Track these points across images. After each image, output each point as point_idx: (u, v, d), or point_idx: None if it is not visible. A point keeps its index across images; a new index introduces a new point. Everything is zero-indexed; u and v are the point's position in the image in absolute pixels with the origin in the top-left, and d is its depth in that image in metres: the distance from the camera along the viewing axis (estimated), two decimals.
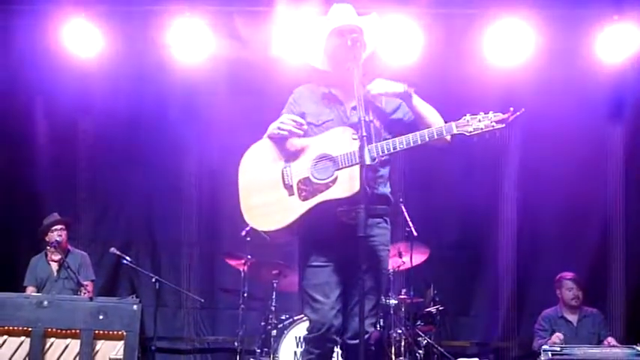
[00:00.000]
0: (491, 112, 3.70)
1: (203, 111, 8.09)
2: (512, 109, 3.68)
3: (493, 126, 3.67)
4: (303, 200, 3.77)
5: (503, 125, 3.68)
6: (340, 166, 3.74)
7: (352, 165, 3.69)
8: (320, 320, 3.79)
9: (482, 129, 3.67)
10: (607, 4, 7.45)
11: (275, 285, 6.72)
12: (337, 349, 3.98)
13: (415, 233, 6.62)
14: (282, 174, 3.86)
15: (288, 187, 3.82)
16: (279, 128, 3.86)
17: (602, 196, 8.12)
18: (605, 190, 8.12)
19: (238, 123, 7.44)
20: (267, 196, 3.86)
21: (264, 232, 3.88)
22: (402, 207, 6.73)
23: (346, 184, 3.70)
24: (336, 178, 3.74)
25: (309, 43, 4.11)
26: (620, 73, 7.71)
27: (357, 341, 3.66)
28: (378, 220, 3.92)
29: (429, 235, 7.14)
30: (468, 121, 3.70)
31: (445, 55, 7.52)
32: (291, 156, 3.89)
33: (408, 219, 6.67)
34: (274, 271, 6.70)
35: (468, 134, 3.69)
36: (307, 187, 3.78)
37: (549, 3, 7.51)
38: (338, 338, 3.85)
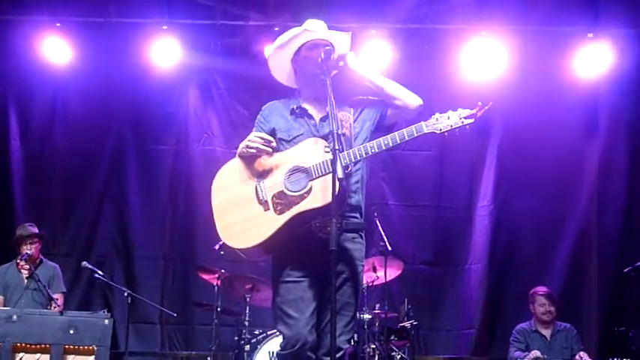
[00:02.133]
0: (459, 109, 3.72)
1: (177, 124, 8.07)
2: (480, 103, 3.68)
3: (462, 122, 3.70)
4: (279, 214, 3.74)
5: (472, 120, 3.69)
6: (314, 177, 3.72)
7: (326, 174, 3.67)
8: (294, 336, 3.73)
9: (451, 126, 3.69)
10: (582, 22, 7.55)
11: (248, 299, 6.67)
12: None
13: (389, 248, 6.62)
14: (256, 190, 3.83)
15: (263, 203, 3.79)
16: (247, 147, 3.84)
17: (577, 211, 8.18)
18: (579, 205, 8.18)
19: (213, 136, 7.44)
20: (243, 213, 3.82)
21: (241, 250, 3.82)
22: (377, 221, 6.73)
23: (321, 193, 3.67)
24: (310, 189, 3.72)
25: (278, 56, 4.06)
26: (594, 88, 7.81)
27: (329, 358, 3.62)
28: (354, 234, 3.89)
29: (403, 250, 7.15)
30: (437, 119, 3.72)
31: (418, 70, 7.56)
32: (263, 172, 3.86)
33: (383, 233, 6.67)
34: (248, 286, 6.65)
35: (438, 132, 3.70)
36: (282, 201, 3.75)
37: (525, 20, 7.60)
38: (312, 355, 3.79)
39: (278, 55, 4.05)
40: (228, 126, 7.93)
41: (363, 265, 3.97)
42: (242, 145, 3.88)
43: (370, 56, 7.53)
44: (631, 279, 6.97)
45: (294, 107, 4.01)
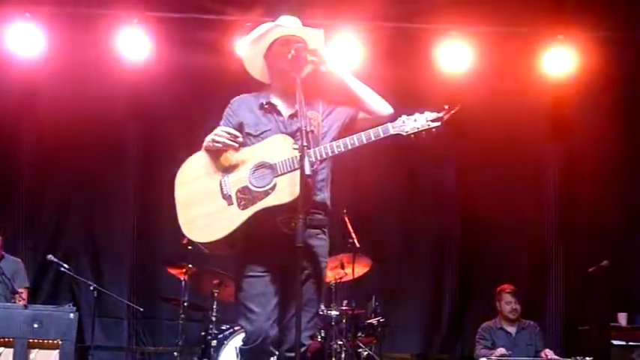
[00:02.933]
0: (426, 112, 3.72)
1: (147, 117, 8.03)
2: (447, 107, 3.70)
3: (429, 125, 3.69)
4: (243, 209, 3.73)
5: (439, 124, 3.69)
6: (279, 173, 3.72)
7: (291, 171, 3.68)
8: (255, 331, 3.74)
9: (418, 128, 3.68)
10: (553, 23, 7.63)
11: (216, 295, 6.64)
12: None
13: (358, 244, 6.64)
14: (221, 184, 3.82)
15: (227, 197, 3.78)
16: (213, 141, 3.83)
17: (542, 211, 8.28)
18: (544, 205, 8.28)
19: (181, 130, 7.41)
20: (206, 207, 3.81)
21: (203, 244, 3.83)
22: (346, 218, 6.74)
23: (285, 190, 3.67)
24: (274, 185, 3.72)
25: (251, 51, 4.07)
26: (561, 90, 7.90)
27: (293, 354, 3.62)
28: (317, 231, 3.89)
29: (371, 247, 7.17)
30: (404, 121, 3.72)
31: (389, 69, 7.60)
32: (229, 167, 3.84)
33: (351, 230, 6.69)
34: (215, 281, 6.62)
35: (405, 134, 3.70)
36: (246, 196, 3.74)
37: (495, 21, 7.66)
38: (274, 350, 3.81)
39: (251, 49, 4.05)
40: (198, 120, 7.86)
41: (326, 262, 3.98)
42: (208, 138, 3.87)
43: (343, 53, 7.54)
44: (595, 279, 7.09)
45: (264, 102, 3.99)
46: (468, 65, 7.80)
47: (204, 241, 3.80)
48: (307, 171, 3.48)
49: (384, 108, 3.94)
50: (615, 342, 6.94)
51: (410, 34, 7.85)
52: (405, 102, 4.03)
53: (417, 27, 7.82)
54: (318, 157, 3.72)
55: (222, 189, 3.81)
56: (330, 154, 3.75)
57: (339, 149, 3.73)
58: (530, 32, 7.81)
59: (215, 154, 3.88)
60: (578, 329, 7.44)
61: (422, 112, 3.73)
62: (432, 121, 3.70)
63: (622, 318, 7.20)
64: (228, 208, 3.76)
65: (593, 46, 7.73)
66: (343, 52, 7.55)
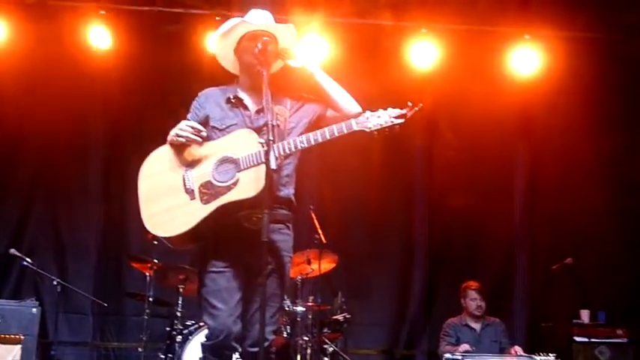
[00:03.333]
0: (390, 108, 3.73)
1: (113, 111, 7.95)
2: (410, 104, 3.72)
3: (392, 122, 3.70)
4: (205, 204, 3.72)
5: (403, 120, 3.70)
6: (242, 168, 3.71)
7: (254, 166, 3.67)
8: (218, 327, 3.74)
9: (382, 125, 3.70)
10: (520, 22, 7.69)
11: (181, 290, 6.60)
12: (236, 357, 3.92)
13: (324, 240, 6.65)
14: (184, 179, 3.81)
15: (190, 192, 3.77)
16: (177, 135, 3.82)
17: (509, 208, 8.35)
18: (511, 203, 8.35)
19: (148, 124, 7.36)
20: (169, 201, 3.79)
21: (166, 238, 3.81)
22: (312, 214, 6.75)
23: (248, 185, 3.67)
24: (237, 180, 3.70)
25: (221, 45, 4.06)
26: (528, 89, 7.97)
27: (257, 349, 3.62)
28: (280, 225, 3.89)
29: (338, 243, 7.18)
30: (367, 117, 3.73)
31: (359, 66, 7.62)
32: (192, 161, 3.83)
33: (318, 226, 6.70)
34: (181, 276, 6.58)
35: (368, 130, 3.71)
36: (209, 191, 3.73)
37: (464, 19, 7.72)
38: (237, 345, 3.80)
39: (221, 43, 4.04)
40: (164, 115, 7.81)
41: (290, 257, 3.98)
42: (172, 132, 3.86)
43: (313, 49, 7.55)
44: (558, 276, 7.18)
45: (231, 96, 3.98)
46: (437, 63, 7.86)
47: (167, 236, 3.79)
48: (273, 165, 3.47)
49: (353, 107, 3.94)
50: (578, 339, 7.03)
51: (380, 31, 7.87)
52: (373, 98, 4.03)
53: (386, 24, 7.84)
54: (282, 153, 3.71)
55: (185, 183, 3.80)
56: (294, 150, 3.76)
57: (302, 145, 3.74)
58: (497, 31, 7.87)
59: (179, 148, 3.86)
60: (541, 326, 7.52)
61: (385, 109, 3.74)
62: (396, 117, 3.71)
63: (585, 315, 7.30)
64: (190, 202, 3.75)
65: (559, 45, 7.82)
66: (314, 48, 7.56)
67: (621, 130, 8.14)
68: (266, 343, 3.71)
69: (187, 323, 6.48)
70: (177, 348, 6.31)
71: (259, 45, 3.84)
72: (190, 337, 6.29)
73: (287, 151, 3.74)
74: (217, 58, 4.12)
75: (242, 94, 4.00)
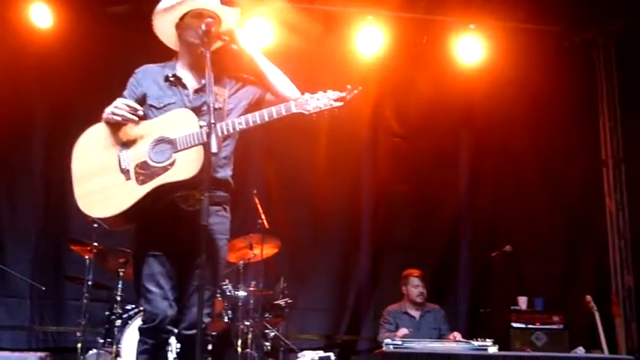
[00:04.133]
0: (329, 91, 3.73)
1: (56, 91, 7.79)
2: (349, 87, 3.72)
3: (331, 105, 3.70)
4: (141, 184, 3.66)
5: (342, 104, 3.71)
6: (179, 148, 3.66)
7: (191, 147, 3.63)
8: (154, 311, 3.71)
9: (321, 107, 3.70)
10: (465, 12, 7.77)
11: (121, 274, 6.52)
12: (173, 339, 3.90)
13: (267, 225, 6.64)
14: (119, 158, 3.74)
15: (125, 172, 3.70)
16: (112, 113, 3.74)
17: (453, 196, 8.45)
18: (455, 191, 8.46)
19: (89, 105, 7.19)
20: (103, 181, 3.72)
21: (101, 219, 3.76)
22: (256, 199, 6.73)
23: (184, 166, 3.62)
24: (174, 161, 3.65)
25: (162, 19, 3.95)
26: (473, 78, 8.06)
27: (193, 332, 3.61)
28: (217, 207, 3.85)
29: (282, 228, 7.18)
30: (307, 100, 3.73)
31: (305, 50, 7.61)
32: (128, 140, 3.76)
33: (261, 211, 6.68)
34: (121, 260, 6.49)
35: (307, 113, 3.71)
36: (145, 171, 3.67)
37: (409, 7, 7.77)
38: (174, 328, 3.78)
39: (162, 17, 3.95)
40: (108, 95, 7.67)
41: (226, 239, 3.95)
42: (108, 110, 3.78)
43: (257, 32, 7.52)
44: (497, 263, 7.29)
45: (169, 75, 3.93)
46: (383, 50, 7.90)
47: (101, 217, 3.74)
48: (214, 148, 3.44)
49: (292, 92, 3.92)
50: (515, 325, 7.16)
51: (327, 16, 7.87)
52: (318, 84, 4.02)
53: (334, 9, 7.83)
54: (219, 134, 3.65)
55: (120, 163, 3.73)
56: (232, 131, 3.72)
57: (240, 126, 3.70)
58: (443, 20, 7.95)
59: (114, 126, 3.79)
60: (480, 312, 7.63)
61: (325, 92, 3.73)
62: (335, 100, 3.71)
63: (522, 302, 7.43)
64: (125, 183, 3.69)
65: (503, 36, 7.93)
66: (259, 31, 7.52)
67: (560, 120, 8.30)
68: (202, 326, 3.69)
69: (127, 307, 6.42)
70: (116, 332, 6.25)
71: (203, 26, 3.76)
72: (130, 322, 6.25)
73: (225, 132, 3.70)
74: (155, 31, 4.02)
75: (181, 73, 3.95)
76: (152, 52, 4.15)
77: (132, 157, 3.73)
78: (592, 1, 7.72)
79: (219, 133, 3.65)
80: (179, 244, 3.71)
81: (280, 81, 3.96)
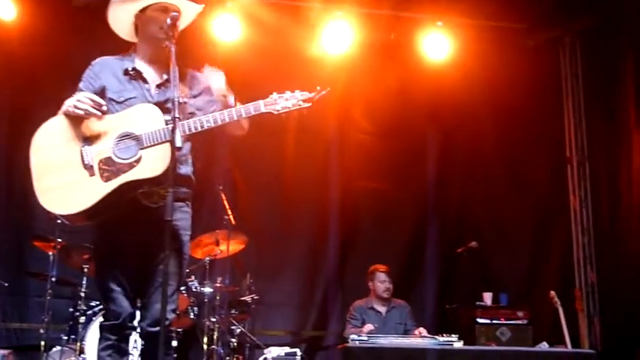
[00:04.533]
0: (297, 91, 3.76)
1: (19, 85, 7.67)
2: (318, 88, 3.74)
3: (300, 105, 3.73)
4: (106, 181, 3.59)
5: (310, 104, 3.74)
6: (145, 145, 3.61)
7: (157, 144, 3.59)
8: (116, 309, 3.68)
9: (289, 107, 3.73)
10: (432, 9, 7.79)
11: (86, 270, 6.44)
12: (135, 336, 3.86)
13: (233, 221, 6.62)
14: (81, 153, 3.65)
15: (89, 168, 3.62)
16: (75, 107, 3.65)
17: (420, 192, 8.50)
18: (422, 187, 8.50)
19: (55, 97, 7.10)
20: (65, 177, 3.63)
21: (63, 216, 3.70)
22: (222, 194, 6.70)
23: (151, 163, 3.58)
24: (140, 158, 3.60)
25: (121, 8, 3.87)
26: (440, 75, 8.10)
27: (157, 328, 3.57)
28: (181, 203, 3.81)
29: (248, 224, 7.16)
30: (275, 100, 3.73)
31: (269, 47, 7.59)
32: (90, 135, 3.68)
33: (227, 206, 6.65)
34: (85, 256, 6.41)
35: (276, 112, 3.72)
36: (110, 168, 3.60)
37: (377, 4, 7.78)
38: (135, 325, 3.75)
39: (120, 8, 3.87)
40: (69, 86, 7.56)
41: (189, 235, 3.91)
42: (69, 103, 3.69)
43: (227, 28, 7.50)
44: (463, 259, 7.35)
45: (129, 68, 3.86)
46: (351, 47, 7.90)
47: (64, 214, 3.66)
48: (178, 144, 3.40)
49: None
50: (480, 320, 7.20)
51: (295, 11, 7.85)
52: (285, 81, 4.01)
53: (301, 5, 7.82)
54: (187, 132, 3.64)
55: (83, 158, 3.64)
56: (200, 129, 3.68)
57: (209, 124, 3.67)
58: (410, 17, 7.97)
59: (75, 120, 3.70)
60: (446, 308, 7.68)
61: (293, 92, 3.76)
62: (304, 101, 3.73)
63: (487, 297, 7.48)
64: (89, 179, 3.61)
65: (470, 33, 7.97)
66: (228, 27, 7.50)
67: (526, 118, 8.38)
68: (166, 322, 3.65)
69: (91, 304, 6.35)
70: (80, 329, 6.18)
71: (169, 20, 3.69)
72: (94, 318, 6.17)
73: (193, 130, 3.66)
74: (109, 20, 3.93)
75: (140, 66, 3.88)
76: (119, 44, 4.08)
77: (95, 153, 3.65)
78: None
79: (186, 131, 3.63)
80: (141, 240, 3.66)
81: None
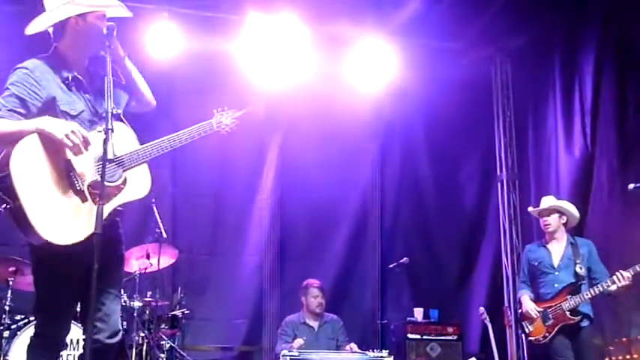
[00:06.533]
0: (230, 110, 4.05)
1: None
2: (251, 105, 4.07)
3: (233, 122, 4.02)
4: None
5: (238, 122, 4.03)
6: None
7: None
8: (55, 326, 3.57)
9: (228, 125, 4.01)
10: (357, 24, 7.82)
11: (11, 283, 6.26)
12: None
13: (165, 235, 6.53)
14: (72, 179, 3.44)
15: (80, 193, 3.44)
16: (67, 136, 3.36)
17: (353, 208, 8.55)
18: (358, 201, 8.57)
19: None
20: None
21: (63, 245, 3.36)
22: (154, 207, 6.60)
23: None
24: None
25: (54, 4, 3.64)
26: (378, 94, 8.19)
27: (116, 340, 3.54)
28: (119, 218, 3.71)
29: (179, 238, 7.07)
30: (220, 120, 3.98)
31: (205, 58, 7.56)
32: (71, 157, 3.44)
33: (159, 220, 6.56)
34: (11, 268, 6.23)
35: (223, 131, 4.00)
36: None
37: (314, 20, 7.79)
38: (66, 342, 3.65)
39: (59, 5, 3.61)
40: None
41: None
42: (55, 129, 3.37)
43: (160, 39, 7.43)
44: (394, 274, 7.40)
45: (69, 77, 3.61)
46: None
47: (70, 243, 3.37)
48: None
49: (153, 100, 3.98)
50: (411, 336, 7.26)
51: (226, 24, 7.80)
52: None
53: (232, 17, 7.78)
54: (144, 159, 3.63)
55: (74, 185, 3.45)
56: (157, 155, 3.67)
57: (165, 150, 3.70)
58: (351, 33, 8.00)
59: (50, 141, 3.39)
60: (377, 323, 7.72)
61: (224, 109, 4.03)
62: (235, 118, 4.01)
63: (418, 313, 7.55)
64: (83, 205, 3.44)
65: (408, 51, 8.05)
66: (164, 37, 7.45)
67: (459, 135, 8.53)
68: (121, 334, 3.63)
69: (16, 318, 6.16)
70: (4, 344, 5.99)
71: (105, 29, 3.57)
72: (19, 333, 6.00)
73: (149, 156, 3.64)
74: (46, 5, 3.66)
75: (79, 75, 3.67)
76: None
77: (80, 176, 3.47)
78: (490, 18, 7.84)
79: (144, 158, 3.64)
80: (87, 257, 3.30)
81: (146, 88, 3.95)
